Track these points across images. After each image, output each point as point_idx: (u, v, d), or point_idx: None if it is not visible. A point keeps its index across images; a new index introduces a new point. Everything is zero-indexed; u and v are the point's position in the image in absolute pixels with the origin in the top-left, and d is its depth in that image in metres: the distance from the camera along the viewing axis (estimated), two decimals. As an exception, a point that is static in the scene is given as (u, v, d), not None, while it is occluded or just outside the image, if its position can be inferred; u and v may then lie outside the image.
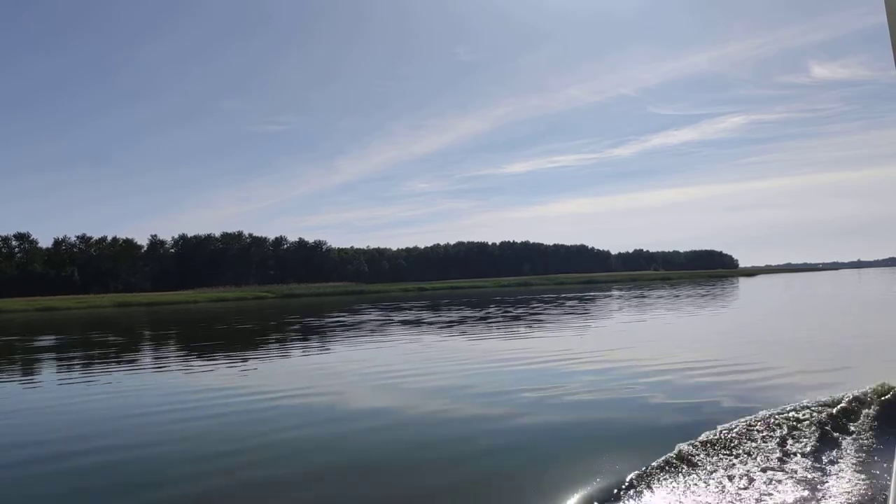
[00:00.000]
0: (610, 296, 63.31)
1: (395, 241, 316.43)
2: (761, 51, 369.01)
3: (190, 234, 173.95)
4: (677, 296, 56.01)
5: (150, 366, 19.73)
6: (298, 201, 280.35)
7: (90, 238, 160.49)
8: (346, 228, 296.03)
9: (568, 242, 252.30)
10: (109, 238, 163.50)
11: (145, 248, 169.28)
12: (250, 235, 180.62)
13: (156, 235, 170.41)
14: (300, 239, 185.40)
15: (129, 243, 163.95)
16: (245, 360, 20.02)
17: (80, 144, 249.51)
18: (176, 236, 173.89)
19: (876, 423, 8.44)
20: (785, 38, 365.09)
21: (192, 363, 19.99)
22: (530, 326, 28.23)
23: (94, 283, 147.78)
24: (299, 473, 7.49)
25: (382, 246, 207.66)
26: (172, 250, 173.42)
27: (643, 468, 6.67)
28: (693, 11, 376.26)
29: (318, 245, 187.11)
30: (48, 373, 19.51)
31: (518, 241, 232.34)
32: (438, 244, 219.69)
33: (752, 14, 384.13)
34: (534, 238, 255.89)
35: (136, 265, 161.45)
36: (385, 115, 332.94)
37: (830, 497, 5.94)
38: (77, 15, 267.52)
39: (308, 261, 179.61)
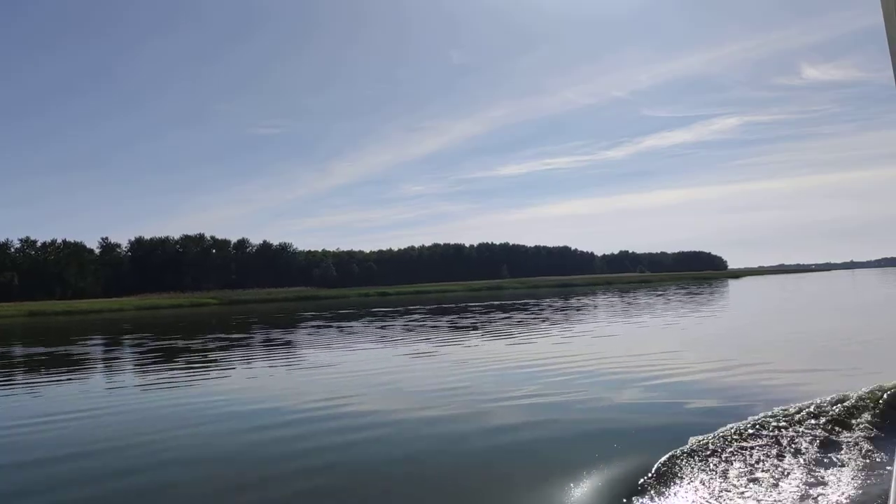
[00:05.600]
0: (562, 305, 54.64)
1: (395, 242, 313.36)
2: (756, 52, 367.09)
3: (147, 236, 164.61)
4: (649, 302, 48.54)
5: None
6: (295, 204, 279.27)
7: (35, 241, 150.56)
8: (342, 231, 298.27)
9: (554, 244, 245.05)
10: (60, 241, 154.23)
11: (98, 252, 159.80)
12: (212, 238, 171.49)
13: (107, 238, 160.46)
14: (264, 241, 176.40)
15: (78, 246, 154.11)
16: None
17: (77, 149, 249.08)
18: (132, 239, 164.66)
19: (876, 423, 8.32)
20: (779, 39, 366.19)
21: None
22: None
23: (38, 289, 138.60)
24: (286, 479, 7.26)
25: (377, 249, 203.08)
26: (129, 253, 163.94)
27: (644, 470, 6.67)
28: (689, 13, 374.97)
29: (284, 247, 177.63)
30: None
31: (497, 242, 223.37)
32: (413, 246, 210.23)
33: (748, 16, 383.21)
34: (526, 240, 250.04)
35: (87, 269, 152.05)
36: (381, 118, 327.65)
37: (831, 497, 5.90)
38: (74, 19, 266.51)
39: (272, 264, 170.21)
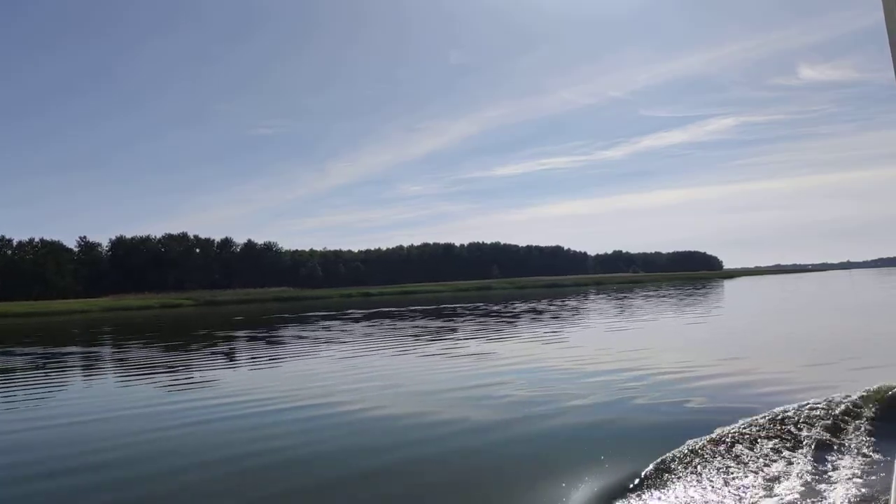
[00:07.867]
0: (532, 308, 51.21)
1: (394, 243, 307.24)
2: (755, 53, 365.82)
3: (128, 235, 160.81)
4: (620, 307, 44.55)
5: None
6: (295, 204, 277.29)
7: (10, 240, 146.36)
8: (342, 231, 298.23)
9: (546, 244, 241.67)
10: (37, 239, 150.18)
11: (77, 251, 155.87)
12: (195, 237, 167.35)
13: (85, 237, 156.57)
14: (248, 240, 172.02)
15: (56, 245, 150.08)
16: None
17: (77, 149, 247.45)
18: (113, 238, 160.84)
19: (877, 423, 8.26)
20: (778, 39, 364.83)
21: None
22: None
23: (15, 289, 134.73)
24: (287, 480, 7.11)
25: (366, 248, 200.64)
26: (109, 252, 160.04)
27: (643, 470, 6.55)
28: (689, 13, 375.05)
29: (269, 247, 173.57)
30: None
31: (487, 241, 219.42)
32: (401, 246, 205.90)
33: (748, 16, 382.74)
34: (520, 240, 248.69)
35: (65, 269, 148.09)
36: (380, 118, 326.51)
37: (831, 497, 5.83)
38: (74, 19, 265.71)
39: (257, 264, 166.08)
